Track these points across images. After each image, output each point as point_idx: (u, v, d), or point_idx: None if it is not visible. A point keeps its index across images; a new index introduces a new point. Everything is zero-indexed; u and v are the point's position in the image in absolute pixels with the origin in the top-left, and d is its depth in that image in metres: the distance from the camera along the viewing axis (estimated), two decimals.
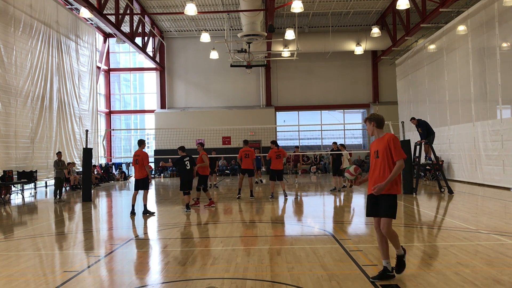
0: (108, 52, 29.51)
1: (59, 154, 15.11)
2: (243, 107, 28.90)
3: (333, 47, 26.45)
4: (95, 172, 21.99)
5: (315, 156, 28.08)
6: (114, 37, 25.87)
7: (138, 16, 23.34)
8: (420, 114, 20.80)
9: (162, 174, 27.48)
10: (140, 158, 10.66)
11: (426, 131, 14.32)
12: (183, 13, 18.37)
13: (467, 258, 5.85)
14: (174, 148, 22.69)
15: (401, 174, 5.02)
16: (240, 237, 7.81)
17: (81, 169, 18.62)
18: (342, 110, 29.92)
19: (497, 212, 10.05)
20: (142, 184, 10.77)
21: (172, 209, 11.94)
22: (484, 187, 15.61)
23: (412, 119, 15.02)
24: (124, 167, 27.81)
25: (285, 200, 13.18)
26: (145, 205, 10.74)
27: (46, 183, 20.00)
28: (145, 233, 8.86)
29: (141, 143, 11.01)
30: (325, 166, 27.43)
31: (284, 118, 29.93)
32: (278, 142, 29.26)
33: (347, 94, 29.13)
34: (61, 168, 14.66)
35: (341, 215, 10.61)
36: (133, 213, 10.69)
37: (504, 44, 14.65)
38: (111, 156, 28.19)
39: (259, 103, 29.16)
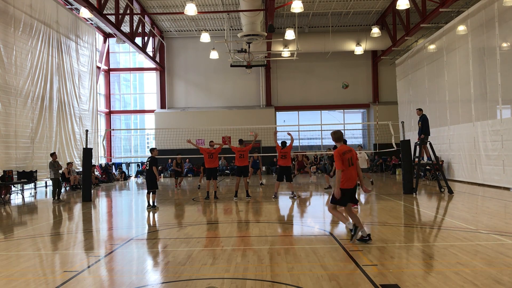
0: (108, 52, 29.51)
1: (54, 155, 15.07)
2: (243, 107, 28.90)
3: (333, 47, 26.45)
4: (96, 173, 21.98)
5: (315, 156, 28.06)
6: (114, 37, 25.88)
7: (138, 16, 23.34)
8: None
9: (162, 174, 27.47)
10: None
11: (422, 129, 14.14)
12: (183, 13, 18.37)
13: (467, 258, 5.85)
14: (174, 148, 22.93)
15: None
16: (240, 237, 7.81)
17: (81, 169, 18.63)
18: (342, 110, 29.92)
19: (497, 212, 10.05)
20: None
21: (172, 209, 11.96)
22: (484, 187, 15.61)
23: (419, 110, 14.72)
24: (124, 167, 27.79)
25: (293, 199, 13.21)
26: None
27: (46, 183, 19.99)
28: (145, 233, 8.86)
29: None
30: (325, 166, 27.39)
31: (284, 118, 29.91)
32: (278, 142, 29.29)
33: (347, 94, 29.06)
34: (58, 169, 14.65)
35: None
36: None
37: (504, 44, 14.65)
38: (111, 156, 28.19)
39: (259, 103, 29.17)
